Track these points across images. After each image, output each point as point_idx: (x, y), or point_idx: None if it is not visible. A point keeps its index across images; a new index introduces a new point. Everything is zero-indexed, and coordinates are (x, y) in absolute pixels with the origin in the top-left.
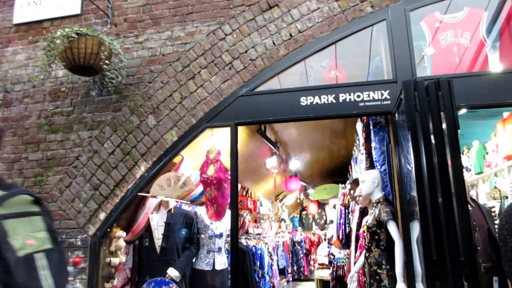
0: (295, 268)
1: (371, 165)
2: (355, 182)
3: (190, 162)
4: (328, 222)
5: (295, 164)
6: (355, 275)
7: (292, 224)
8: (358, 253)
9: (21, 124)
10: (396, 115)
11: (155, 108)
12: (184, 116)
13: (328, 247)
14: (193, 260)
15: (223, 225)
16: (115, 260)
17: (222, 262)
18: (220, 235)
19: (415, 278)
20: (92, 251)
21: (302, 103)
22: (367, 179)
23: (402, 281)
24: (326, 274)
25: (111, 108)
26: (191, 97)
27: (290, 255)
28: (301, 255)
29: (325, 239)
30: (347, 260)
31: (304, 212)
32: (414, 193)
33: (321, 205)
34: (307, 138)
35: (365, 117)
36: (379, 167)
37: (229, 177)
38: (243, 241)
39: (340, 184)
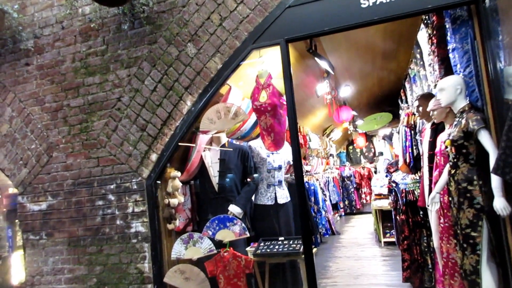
0: (346, 202)
1: (446, 73)
2: (424, 98)
3: (238, 92)
4: (377, 154)
5: (346, 91)
6: (437, 196)
7: (339, 160)
8: (436, 173)
9: (57, 70)
10: (487, 0)
11: (193, 35)
12: (226, 39)
13: (386, 176)
14: (254, 195)
15: (281, 157)
16: (173, 201)
17: (284, 195)
18: (279, 168)
19: None
20: (149, 193)
21: (362, 5)
22: (448, 86)
23: (501, 196)
24: (385, 204)
25: (146, 41)
26: (231, 16)
27: (341, 190)
28: (352, 190)
29: (375, 172)
30: (416, 184)
31: (351, 147)
32: (509, 96)
33: (369, 137)
34: (356, 62)
35: (435, 18)
36: (462, 70)
37: (285, 102)
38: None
39: (403, 104)
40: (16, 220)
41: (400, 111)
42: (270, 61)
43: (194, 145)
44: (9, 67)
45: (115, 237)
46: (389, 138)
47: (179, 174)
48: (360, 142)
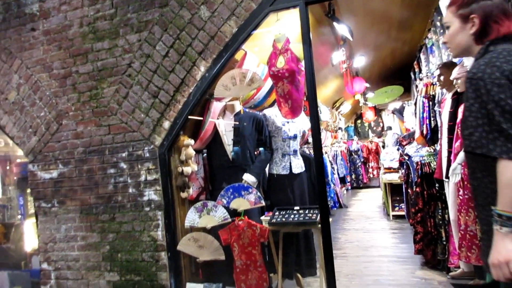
0: (353, 176)
1: None
2: (447, 66)
3: (254, 57)
4: (385, 128)
5: (361, 61)
6: (458, 167)
7: (347, 134)
8: (457, 144)
9: (64, 36)
10: None
11: None
12: (241, 1)
13: (398, 149)
14: (268, 164)
15: (296, 126)
16: (187, 169)
17: (299, 165)
18: (294, 137)
19: None
20: (162, 161)
21: None
22: None
23: None
24: (394, 177)
25: (156, 4)
26: None
27: (348, 164)
28: (359, 164)
29: (383, 146)
30: (432, 156)
31: (359, 121)
32: None
33: (378, 111)
34: (371, 31)
35: None
36: None
37: (303, 68)
38: (305, 150)
39: (419, 74)
40: (27, 189)
41: (415, 83)
42: (288, 25)
43: (202, 118)
44: (14, 33)
45: (127, 205)
46: (399, 112)
47: (192, 142)
48: (369, 116)
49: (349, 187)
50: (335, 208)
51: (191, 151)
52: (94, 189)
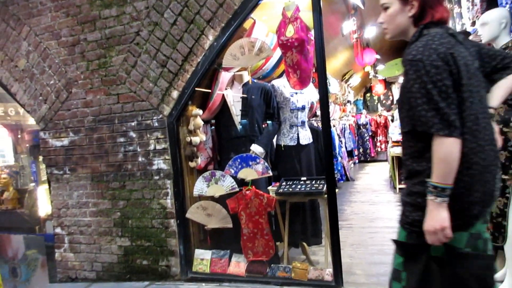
0: (361, 150)
1: (488, 7)
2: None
3: (263, 26)
4: (395, 102)
5: (372, 31)
6: None
7: (355, 108)
8: None
9: (71, 2)
10: None
11: None
12: None
13: None
14: (276, 135)
15: (305, 97)
16: (195, 139)
17: (306, 136)
18: (303, 108)
19: None
20: (170, 131)
21: None
22: (491, 20)
23: None
24: None
25: None
26: None
27: (356, 138)
28: (367, 137)
29: (392, 120)
30: None
31: (368, 94)
32: None
33: (388, 84)
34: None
35: None
36: (509, 1)
37: (312, 37)
38: (313, 122)
39: None
40: (40, 156)
41: None
42: None
43: (210, 90)
44: None
45: (137, 174)
46: None
47: (200, 112)
48: (379, 89)
49: (357, 161)
50: (342, 181)
51: (199, 121)
52: (105, 157)
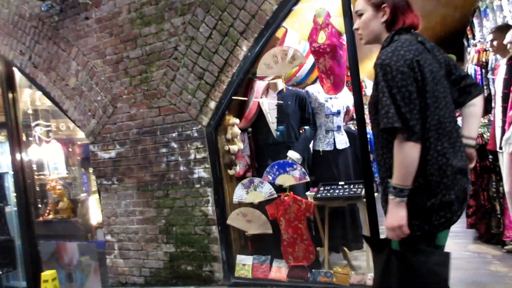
0: None
1: None
2: (500, 30)
3: (295, 34)
4: None
5: None
6: None
7: None
8: None
9: (114, 23)
10: None
11: None
12: None
13: None
14: (313, 141)
15: (340, 102)
16: (233, 147)
17: (343, 141)
18: (338, 113)
19: None
20: (209, 140)
21: None
22: None
23: None
24: None
25: None
26: None
27: None
28: None
29: None
30: (485, 127)
31: None
32: None
33: None
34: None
35: None
36: None
37: (344, 42)
38: (351, 126)
39: (473, 40)
40: (90, 168)
41: (468, 50)
42: None
43: (246, 98)
44: (70, 22)
45: (179, 182)
46: None
47: (237, 121)
48: None
49: None
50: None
51: (236, 130)
52: (149, 168)
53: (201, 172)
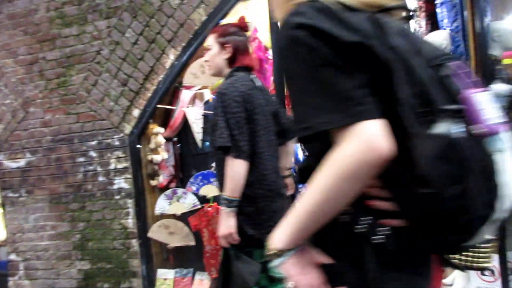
0: None
1: (433, 29)
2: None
3: None
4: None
5: None
6: None
7: None
8: None
9: (30, 20)
10: None
11: None
12: None
13: None
14: None
15: None
16: (157, 157)
17: None
18: None
19: None
20: (131, 150)
21: None
22: (435, 41)
23: None
24: None
25: None
26: None
27: None
28: None
29: None
30: None
31: None
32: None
33: None
34: None
35: None
36: (449, 25)
37: (270, 57)
38: None
39: None
40: None
41: None
42: (257, 14)
43: (172, 107)
44: None
45: (97, 194)
46: None
47: (162, 130)
48: None
49: None
50: None
51: (160, 139)
52: (64, 178)
53: (121, 182)
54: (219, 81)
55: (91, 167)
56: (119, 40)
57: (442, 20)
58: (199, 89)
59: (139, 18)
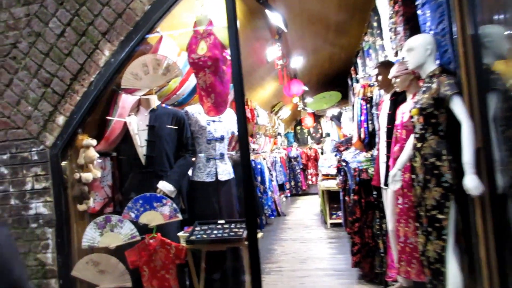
0: (292, 183)
1: (412, 34)
2: (384, 65)
3: (172, 43)
4: (324, 135)
5: (298, 61)
6: (398, 173)
7: (286, 140)
8: (397, 148)
9: None
10: None
11: None
12: None
13: (336, 155)
14: (190, 170)
15: (224, 126)
16: (86, 176)
17: (226, 171)
18: (221, 138)
19: None
20: (54, 166)
21: None
22: (417, 46)
23: (473, 172)
24: (332, 184)
25: None
26: None
27: (287, 171)
28: (298, 170)
29: (322, 153)
30: (370, 162)
31: (298, 127)
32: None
33: (317, 118)
34: (308, 32)
35: None
36: (434, 27)
37: (229, 57)
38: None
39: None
40: None
41: (352, 87)
42: (213, 7)
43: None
44: None
45: (8, 221)
46: (337, 118)
47: (94, 142)
48: (309, 122)
49: (288, 194)
50: (273, 217)
51: (92, 153)
52: None
53: (39, 207)
54: (170, 86)
55: (1, 187)
56: (41, 32)
57: (425, 23)
58: (145, 94)
59: (67, 5)
